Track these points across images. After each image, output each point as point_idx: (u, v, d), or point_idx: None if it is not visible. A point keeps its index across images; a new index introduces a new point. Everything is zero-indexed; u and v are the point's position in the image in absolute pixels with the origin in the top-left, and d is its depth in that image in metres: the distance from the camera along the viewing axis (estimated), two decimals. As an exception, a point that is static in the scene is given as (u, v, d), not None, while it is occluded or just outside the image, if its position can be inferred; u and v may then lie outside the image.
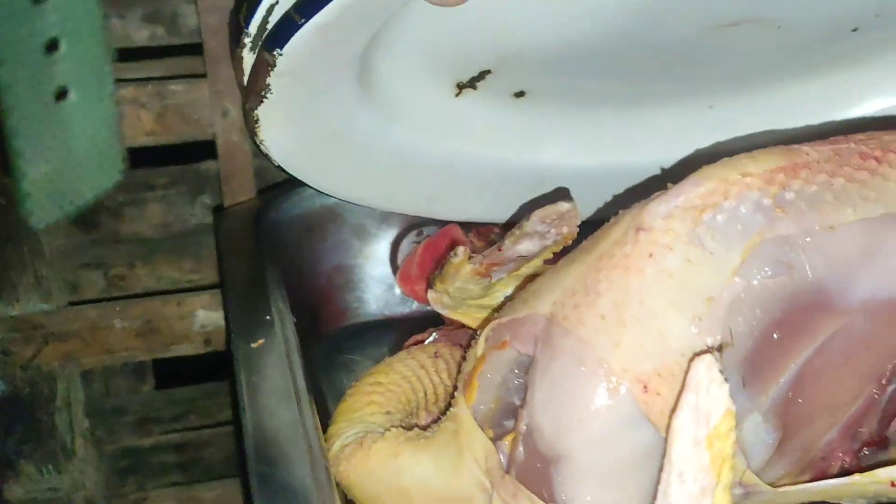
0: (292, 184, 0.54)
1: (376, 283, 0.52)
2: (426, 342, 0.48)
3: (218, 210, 0.57)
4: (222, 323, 0.59)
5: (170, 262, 0.62)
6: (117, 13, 0.55)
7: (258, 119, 0.39)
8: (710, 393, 0.31)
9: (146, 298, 0.59)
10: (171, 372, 0.72)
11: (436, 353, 0.46)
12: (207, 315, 0.59)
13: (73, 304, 0.60)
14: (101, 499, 0.67)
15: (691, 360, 0.32)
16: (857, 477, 0.34)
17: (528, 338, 0.37)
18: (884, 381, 0.37)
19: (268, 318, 0.39)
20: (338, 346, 0.50)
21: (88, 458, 0.65)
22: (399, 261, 0.53)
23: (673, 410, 0.31)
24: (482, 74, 0.44)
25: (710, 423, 0.31)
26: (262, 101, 0.38)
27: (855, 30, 0.46)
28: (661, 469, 0.31)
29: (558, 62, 0.44)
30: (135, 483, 0.71)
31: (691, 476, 0.31)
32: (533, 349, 0.37)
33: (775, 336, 0.36)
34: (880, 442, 0.37)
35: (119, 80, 0.52)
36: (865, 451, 0.38)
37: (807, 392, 0.36)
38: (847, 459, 0.37)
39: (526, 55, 0.43)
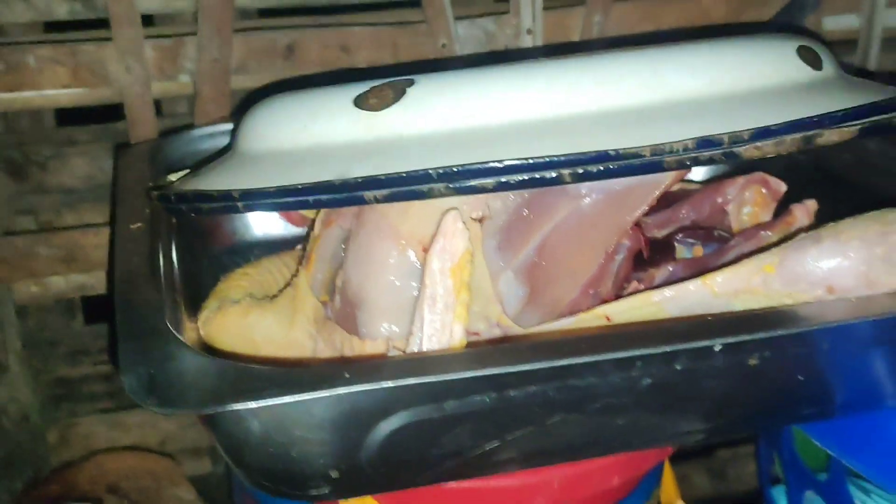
0: (188, 127, 0.66)
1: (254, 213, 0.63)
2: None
3: (117, 148, 0.68)
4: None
5: (93, 208, 0.72)
6: (42, -9, 0.66)
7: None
8: (455, 236, 0.43)
9: (68, 230, 0.70)
10: (99, 309, 0.82)
11: (299, 255, 0.58)
12: (122, 244, 0.70)
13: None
14: (36, 417, 0.76)
15: (444, 214, 0.43)
16: (581, 315, 0.46)
17: (347, 216, 0.49)
18: (611, 252, 0.48)
19: (147, 211, 0.50)
20: (226, 260, 0.61)
21: (23, 376, 0.75)
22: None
23: (428, 252, 0.43)
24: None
25: (454, 259, 0.43)
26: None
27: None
28: (419, 295, 0.43)
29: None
30: (66, 409, 0.78)
31: (440, 297, 0.42)
32: (350, 224, 0.48)
33: (524, 212, 0.47)
34: (616, 300, 0.49)
35: (40, 42, 0.63)
36: (604, 307, 0.49)
37: (549, 257, 0.47)
38: (588, 314, 0.49)
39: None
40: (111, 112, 0.71)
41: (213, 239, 0.62)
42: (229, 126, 0.62)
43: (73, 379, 0.79)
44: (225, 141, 0.61)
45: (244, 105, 0.61)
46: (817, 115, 0.40)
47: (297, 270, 0.52)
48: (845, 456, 0.53)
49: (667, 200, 0.56)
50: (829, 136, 0.41)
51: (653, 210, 0.52)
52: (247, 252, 0.62)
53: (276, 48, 0.67)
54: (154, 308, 0.42)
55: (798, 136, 0.40)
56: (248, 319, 0.49)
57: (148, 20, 0.68)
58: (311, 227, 0.54)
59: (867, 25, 0.81)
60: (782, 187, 0.56)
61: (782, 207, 0.56)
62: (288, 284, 0.53)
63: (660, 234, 0.56)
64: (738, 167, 0.60)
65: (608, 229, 0.48)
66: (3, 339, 0.71)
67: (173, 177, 0.54)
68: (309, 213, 0.56)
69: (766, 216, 0.56)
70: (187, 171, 0.54)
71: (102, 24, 0.66)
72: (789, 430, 0.63)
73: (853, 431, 0.51)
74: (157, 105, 0.70)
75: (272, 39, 0.67)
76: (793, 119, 0.40)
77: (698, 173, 0.65)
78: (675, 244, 0.54)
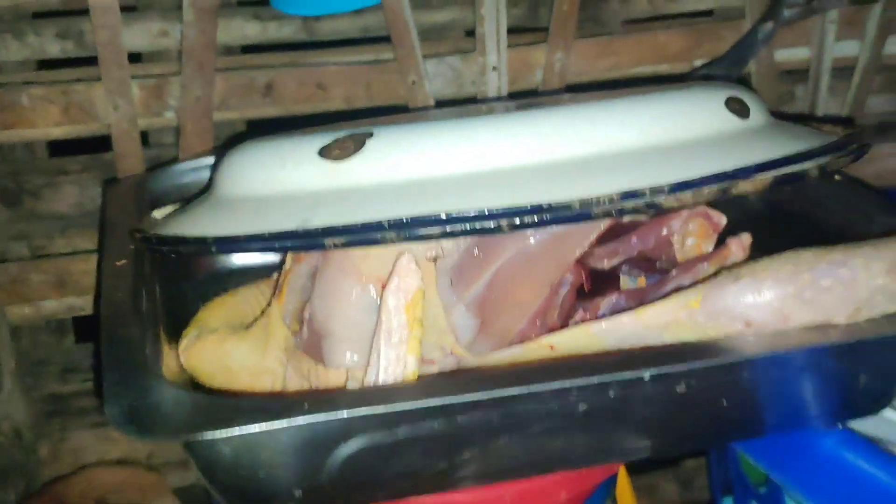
0: (172, 163, 0.70)
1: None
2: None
3: (105, 183, 0.72)
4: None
5: (82, 234, 0.76)
6: (34, 31, 0.70)
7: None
8: (408, 276, 0.47)
9: (59, 257, 0.74)
10: (89, 328, 0.86)
11: (274, 285, 0.62)
12: (110, 270, 0.74)
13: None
14: (28, 432, 0.81)
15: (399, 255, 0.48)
16: (528, 344, 0.50)
17: (316, 254, 0.53)
18: (555, 286, 0.53)
19: (131, 247, 0.54)
20: (207, 285, 0.65)
21: (16, 394, 0.79)
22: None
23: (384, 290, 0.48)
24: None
25: (407, 296, 0.47)
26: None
27: None
28: (376, 330, 0.47)
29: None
30: (58, 424, 0.82)
31: (394, 331, 0.47)
32: (317, 260, 0.53)
33: (475, 252, 0.52)
34: (560, 330, 0.53)
35: (33, 83, 0.68)
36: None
37: (498, 292, 0.52)
38: (536, 343, 0.53)
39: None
40: (100, 143, 0.76)
41: (196, 267, 0.66)
42: (211, 160, 0.67)
43: (64, 395, 0.83)
44: (206, 175, 0.66)
45: (227, 143, 0.65)
46: (732, 169, 0.45)
47: (271, 301, 0.56)
48: (773, 472, 0.57)
49: (615, 232, 0.61)
50: (744, 187, 0.45)
51: (603, 241, 0.56)
52: (227, 278, 0.66)
53: (255, 86, 0.72)
54: (136, 343, 0.46)
55: (714, 187, 0.44)
56: (224, 347, 0.54)
57: (134, 57, 0.72)
58: (283, 260, 0.58)
59: (817, 56, 0.85)
60: (723, 220, 0.60)
61: (724, 238, 0.60)
62: (262, 313, 0.57)
63: (608, 264, 0.60)
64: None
65: (552, 266, 0.52)
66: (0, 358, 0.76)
67: (157, 213, 0.58)
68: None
69: (709, 246, 0.61)
70: (171, 207, 0.59)
71: (92, 61, 0.70)
72: (735, 450, 0.67)
73: (779, 450, 0.56)
74: (144, 135, 0.74)
75: (251, 78, 0.72)
76: (710, 173, 0.44)
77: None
78: (621, 275, 0.59)
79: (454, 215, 0.43)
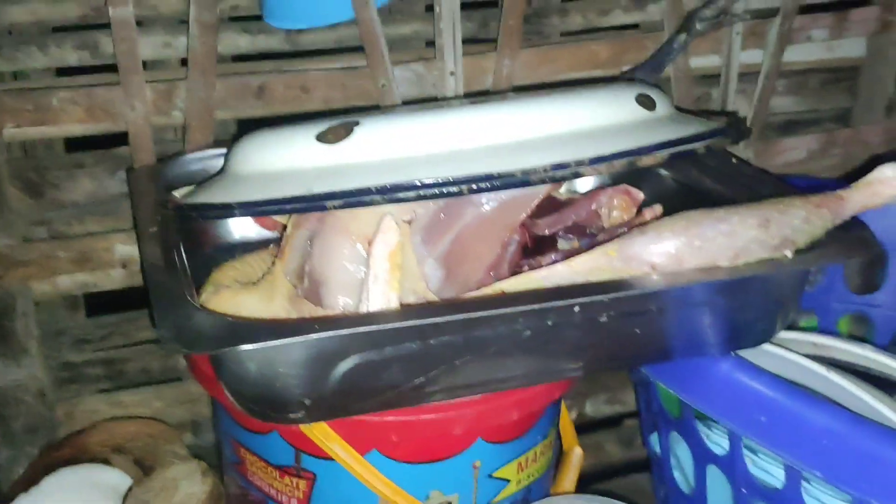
0: (180, 153, 0.83)
1: (238, 219, 0.80)
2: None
3: (128, 170, 0.84)
4: (135, 252, 0.86)
5: (97, 220, 0.87)
6: (56, 43, 0.83)
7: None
8: (390, 231, 0.60)
9: (80, 238, 0.86)
10: (99, 303, 0.97)
11: (270, 252, 0.75)
12: (124, 247, 0.86)
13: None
14: (50, 394, 0.92)
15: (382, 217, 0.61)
16: (484, 290, 0.64)
17: (312, 219, 0.66)
18: (505, 244, 0.66)
19: (158, 218, 0.67)
20: (212, 258, 0.77)
21: (39, 360, 0.90)
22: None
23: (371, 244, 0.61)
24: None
25: (390, 247, 0.60)
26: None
27: None
28: (365, 275, 0.61)
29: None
30: (73, 390, 0.93)
31: (380, 275, 0.60)
32: (315, 225, 0.66)
33: (441, 216, 0.65)
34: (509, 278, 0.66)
35: (61, 87, 0.80)
36: (503, 285, 0.67)
37: (460, 248, 0.65)
38: (490, 289, 0.67)
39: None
40: (110, 139, 0.88)
41: (203, 241, 0.79)
42: (213, 152, 0.79)
43: (77, 363, 0.94)
44: (210, 164, 0.78)
45: (235, 136, 0.77)
46: (636, 147, 0.59)
47: (274, 262, 0.69)
48: (681, 394, 0.71)
49: (555, 206, 0.74)
50: (646, 160, 0.59)
51: (544, 214, 0.70)
52: (229, 252, 0.78)
53: (249, 88, 0.85)
54: (175, 283, 0.58)
55: (623, 160, 0.58)
56: (237, 299, 0.66)
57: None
58: (283, 230, 0.71)
59: (726, 63, 1.00)
60: (640, 195, 0.74)
61: (642, 210, 0.74)
62: (266, 273, 0.69)
63: (548, 231, 0.74)
64: (611, 180, 0.79)
65: (503, 227, 0.66)
66: (26, 327, 0.87)
67: (176, 193, 0.71)
68: (282, 219, 0.73)
69: (629, 217, 0.75)
70: (188, 187, 0.71)
71: (106, 68, 0.82)
72: (655, 387, 0.81)
73: (686, 375, 0.69)
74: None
75: (247, 82, 0.84)
76: (620, 150, 0.58)
77: (582, 186, 0.84)
78: (558, 239, 0.72)
79: (426, 182, 0.56)
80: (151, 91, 0.82)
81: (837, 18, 1.04)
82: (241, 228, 0.81)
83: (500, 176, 0.57)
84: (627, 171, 0.60)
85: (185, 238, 0.71)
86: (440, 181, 0.57)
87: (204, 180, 0.70)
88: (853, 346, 0.83)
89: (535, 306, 0.57)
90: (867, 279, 0.61)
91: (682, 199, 0.78)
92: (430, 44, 0.91)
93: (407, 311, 0.58)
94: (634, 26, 1.00)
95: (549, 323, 0.59)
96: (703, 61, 1.00)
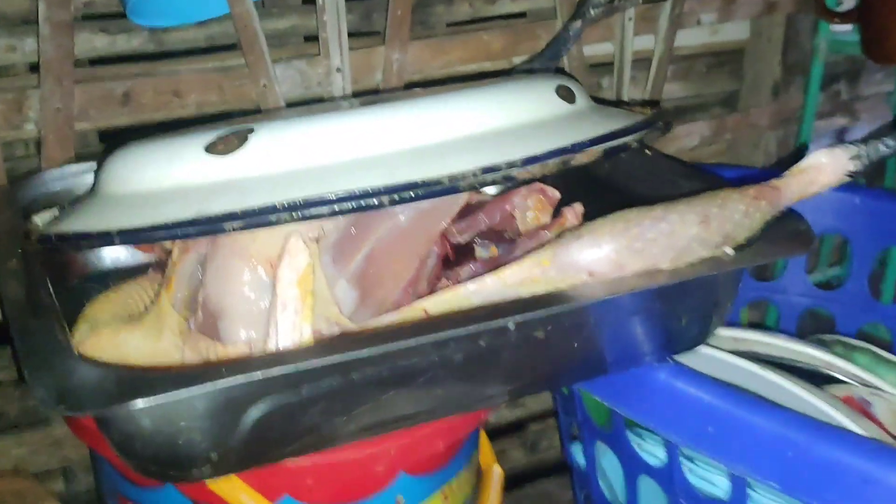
0: (36, 172, 0.72)
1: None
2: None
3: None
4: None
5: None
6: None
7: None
8: (298, 253, 0.53)
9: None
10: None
11: (150, 279, 0.66)
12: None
13: None
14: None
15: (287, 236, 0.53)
16: (405, 309, 0.57)
17: (203, 242, 0.57)
18: (424, 258, 0.60)
19: (18, 250, 0.57)
20: (81, 289, 0.68)
21: None
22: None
23: (276, 267, 0.53)
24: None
25: (299, 271, 0.53)
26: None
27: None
28: (271, 303, 0.53)
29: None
30: None
31: (289, 303, 0.52)
32: (206, 249, 0.57)
33: (352, 231, 0.58)
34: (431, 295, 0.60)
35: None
36: (422, 303, 0.61)
37: (375, 265, 0.58)
38: (409, 309, 0.60)
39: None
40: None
41: (70, 272, 0.69)
42: (78, 167, 0.70)
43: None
44: (75, 182, 0.68)
45: (104, 150, 0.68)
46: (570, 144, 0.53)
47: (159, 292, 0.60)
48: (617, 406, 0.66)
49: (465, 211, 0.68)
50: (581, 158, 0.54)
51: (455, 220, 0.64)
52: (100, 280, 0.69)
53: (113, 96, 0.75)
54: (47, 331, 0.49)
55: (557, 160, 0.53)
56: (119, 338, 0.57)
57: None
58: (168, 254, 0.62)
59: (619, 50, 0.96)
60: (557, 194, 0.69)
61: (558, 210, 0.69)
62: (150, 305, 0.61)
63: (462, 238, 0.68)
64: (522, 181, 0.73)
65: (420, 239, 0.59)
66: None
67: (37, 218, 0.61)
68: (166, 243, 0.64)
69: (546, 219, 0.69)
70: (49, 212, 0.61)
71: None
72: (580, 396, 0.76)
73: (620, 386, 0.65)
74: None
75: (110, 88, 0.75)
76: (553, 148, 0.53)
77: (491, 188, 0.78)
78: (475, 246, 0.66)
79: (342, 195, 0.49)
80: (-2, 101, 0.72)
81: (725, 1, 1.02)
82: (113, 253, 0.71)
83: (425, 184, 0.50)
84: (559, 171, 0.54)
85: (49, 268, 0.62)
86: (358, 193, 0.49)
87: (71, 202, 0.60)
88: (774, 339, 0.81)
89: (471, 328, 0.51)
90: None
91: (594, 197, 0.74)
92: (310, 39, 0.84)
93: (327, 345, 0.51)
94: (522, 14, 0.95)
95: (484, 345, 0.53)
96: (596, 49, 0.96)
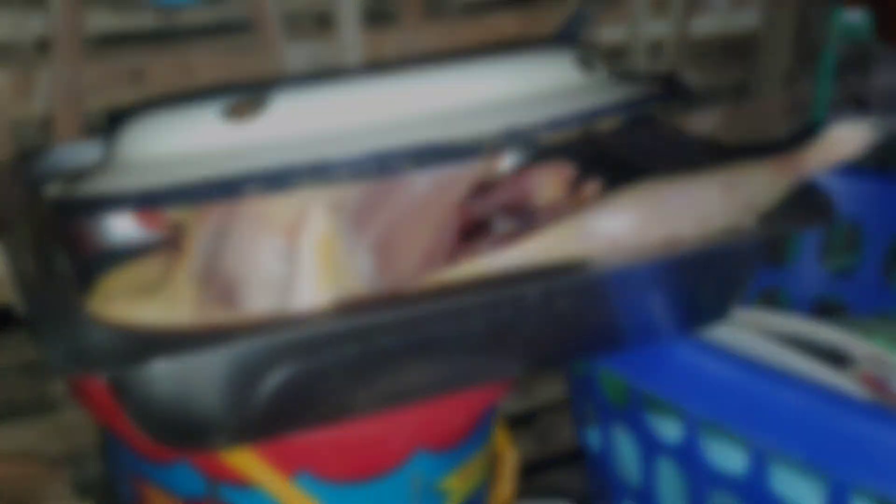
0: (47, 146, 0.72)
1: (118, 219, 0.69)
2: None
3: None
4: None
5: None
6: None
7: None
8: (318, 220, 0.52)
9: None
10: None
11: (164, 253, 0.65)
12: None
13: None
14: None
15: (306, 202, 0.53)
16: (422, 280, 0.56)
17: (217, 211, 0.56)
18: (441, 229, 0.59)
19: (30, 221, 0.56)
20: (93, 264, 0.67)
21: None
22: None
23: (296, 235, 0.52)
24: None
25: (318, 238, 0.52)
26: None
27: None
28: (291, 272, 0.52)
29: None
30: None
31: (310, 270, 0.51)
32: (219, 217, 0.56)
33: (371, 201, 0.57)
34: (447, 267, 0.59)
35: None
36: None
37: (393, 236, 0.57)
38: (428, 280, 0.59)
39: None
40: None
41: (80, 247, 0.68)
42: (90, 143, 0.69)
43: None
44: (87, 158, 0.67)
45: (113, 121, 0.67)
46: (591, 109, 0.52)
47: (173, 264, 0.59)
48: (642, 382, 0.65)
49: (483, 188, 0.67)
50: (605, 123, 0.53)
51: (473, 196, 0.63)
52: (111, 258, 0.68)
53: (124, 74, 0.74)
54: (62, 294, 0.48)
55: (583, 122, 0.52)
56: (134, 309, 0.56)
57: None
58: (174, 230, 0.61)
59: (633, 34, 0.96)
60: (573, 171, 0.68)
61: (573, 187, 0.68)
62: (164, 279, 0.60)
63: (481, 214, 0.67)
64: (538, 157, 0.73)
65: (438, 211, 0.58)
66: None
67: (50, 189, 0.60)
68: (176, 216, 0.63)
69: (565, 195, 0.68)
70: (61, 184, 0.61)
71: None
72: (596, 377, 0.75)
73: (640, 362, 0.64)
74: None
75: (121, 66, 0.74)
76: (577, 111, 0.52)
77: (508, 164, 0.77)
78: (493, 222, 0.65)
79: (366, 156, 0.48)
80: (6, 78, 0.71)
81: (737, -13, 1.01)
82: (124, 230, 0.70)
83: (449, 146, 0.49)
84: (583, 138, 0.53)
85: (62, 242, 0.61)
86: (382, 155, 0.48)
87: (83, 172, 0.59)
88: (789, 319, 0.80)
89: (505, 292, 0.50)
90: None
91: (617, 177, 0.73)
92: (320, 20, 0.83)
93: (347, 307, 0.50)
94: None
95: (512, 312, 0.52)
96: (609, 33, 0.95)
